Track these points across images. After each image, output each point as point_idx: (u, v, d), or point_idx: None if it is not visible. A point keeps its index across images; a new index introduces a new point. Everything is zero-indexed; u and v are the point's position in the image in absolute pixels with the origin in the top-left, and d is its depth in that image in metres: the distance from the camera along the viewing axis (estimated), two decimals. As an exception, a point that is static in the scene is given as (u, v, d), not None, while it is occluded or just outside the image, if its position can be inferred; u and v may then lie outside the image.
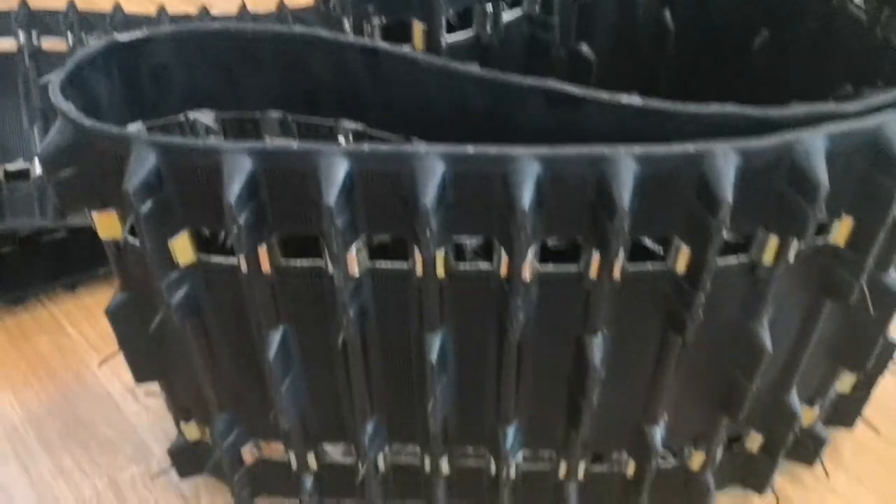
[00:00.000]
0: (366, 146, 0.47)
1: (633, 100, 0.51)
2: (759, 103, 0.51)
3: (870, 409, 0.78)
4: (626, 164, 0.46)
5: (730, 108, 0.50)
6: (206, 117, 0.62)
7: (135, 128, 0.59)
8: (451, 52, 0.74)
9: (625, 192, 0.46)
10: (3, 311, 0.95)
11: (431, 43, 0.73)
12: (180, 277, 0.54)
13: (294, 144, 0.48)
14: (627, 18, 0.89)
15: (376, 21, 0.73)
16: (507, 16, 0.80)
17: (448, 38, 0.75)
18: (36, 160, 0.91)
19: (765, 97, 0.67)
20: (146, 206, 0.48)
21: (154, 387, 0.70)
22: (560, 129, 0.54)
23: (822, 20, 0.77)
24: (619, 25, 0.89)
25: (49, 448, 0.80)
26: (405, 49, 0.57)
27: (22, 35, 0.94)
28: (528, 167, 0.46)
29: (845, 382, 0.73)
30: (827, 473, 0.75)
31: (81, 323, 0.94)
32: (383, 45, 0.56)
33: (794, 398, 0.65)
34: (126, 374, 0.68)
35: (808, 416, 0.71)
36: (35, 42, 0.95)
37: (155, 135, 0.61)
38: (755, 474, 0.73)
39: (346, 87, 0.59)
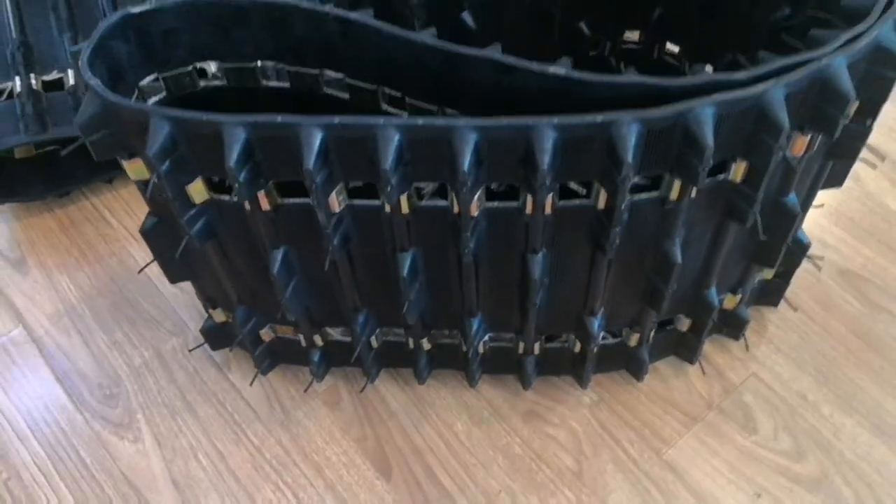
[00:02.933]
0: (337, 118, 0.58)
1: (558, 69, 0.60)
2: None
3: (792, 290, 0.91)
4: (546, 132, 0.57)
5: (637, 78, 0.59)
6: (210, 68, 0.72)
7: (150, 79, 0.70)
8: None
9: (545, 156, 0.57)
10: (54, 204, 1.08)
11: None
12: (197, 212, 0.66)
13: (279, 117, 0.58)
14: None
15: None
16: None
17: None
18: (69, 71, 1.00)
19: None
20: (165, 165, 0.60)
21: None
22: (501, 89, 0.64)
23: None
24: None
25: (103, 324, 0.96)
26: (371, 19, 0.65)
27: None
28: (467, 135, 0.57)
29: (766, 272, 0.85)
30: (748, 346, 0.89)
31: (120, 213, 1.07)
32: (354, 14, 0.65)
33: (712, 293, 0.77)
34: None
35: (731, 301, 0.83)
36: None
37: (166, 84, 0.71)
38: (686, 348, 0.86)
39: (324, 45, 0.68)
